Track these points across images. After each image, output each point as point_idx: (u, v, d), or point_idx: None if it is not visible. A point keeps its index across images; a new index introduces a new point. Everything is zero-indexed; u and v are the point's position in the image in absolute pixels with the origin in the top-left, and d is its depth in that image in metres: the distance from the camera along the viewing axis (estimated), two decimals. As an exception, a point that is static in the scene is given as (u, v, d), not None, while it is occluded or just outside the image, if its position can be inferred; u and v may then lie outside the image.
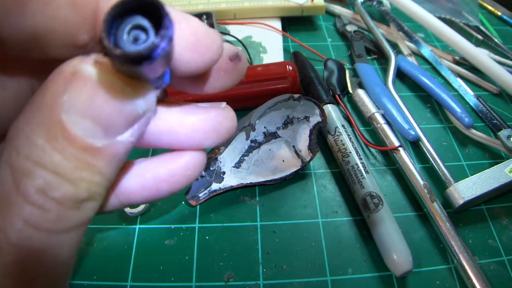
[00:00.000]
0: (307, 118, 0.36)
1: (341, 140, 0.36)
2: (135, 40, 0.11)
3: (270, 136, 0.36)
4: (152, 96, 0.13)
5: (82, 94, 0.11)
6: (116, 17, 0.11)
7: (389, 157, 0.39)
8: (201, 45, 0.13)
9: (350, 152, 0.35)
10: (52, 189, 0.11)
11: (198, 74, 0.14)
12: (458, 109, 0.41)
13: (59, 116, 0.11)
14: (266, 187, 0.36)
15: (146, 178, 0.15)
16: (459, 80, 0.46)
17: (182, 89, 0.16)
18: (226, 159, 0.34)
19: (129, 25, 0.11)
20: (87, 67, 0.11)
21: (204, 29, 0.14)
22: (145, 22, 0.11)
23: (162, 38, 0.10)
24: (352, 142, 0.36)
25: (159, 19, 0.11)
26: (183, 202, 0.34)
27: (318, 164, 0.38)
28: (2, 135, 0.15)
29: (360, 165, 0.34)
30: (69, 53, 0.13)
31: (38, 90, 0.12)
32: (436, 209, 0.33)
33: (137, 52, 0.10)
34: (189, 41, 0.13)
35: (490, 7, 0.60)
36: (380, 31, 0.50)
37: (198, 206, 0.34)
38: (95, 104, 0.11)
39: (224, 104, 0.16)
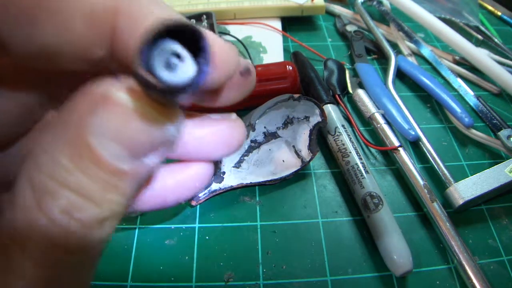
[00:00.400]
0: (307, 118, 0.36)
1: (341, 140, 0.36)
2: (168, 66, 0.11)
3: (270, 136, 0.36)
4: (181, 120, 0.13)
5: (113, 120, 0.11)
6: (150, 43, 0.10)
7: (389, 157, 0.39)
8: (221, 61, 0.13)
9: (350, 152, 0.35)
10: (76, 209, 0.11)
11: (213, 89, 0.14)
12: (458, 109, 0.41)
13: (87, 138, 0.11)
14: (266, 187, 0.36)
15: (153, 188, 0.15)
16: (459, 80, 0.46)
17: (194, 102, 0.16)
18: (226, 159, 0.35)
19: (163, 51, 0.11)
20: (120, 93, 0.11)
21: (224, 45, 0.14)
22: (178, 47, 0.11)
23: (203, 69, 0.10)
24: (352, 142, 0.36)
25: (194, 43, 0.10)
26: (183, 202, 0.34)
27: (318, 164, 0.38)
28: (3, 144, 0.15)
29: (360, 165, 0.34)
30: (83, 66, 0.13)
31: (63, 108, 0.12)
32: (436, 209, 0.33)
33: (180, 84, 0.10)
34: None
35: (490, 7, 0.60)
36: (380, 31, 0.50)
37: (198, 206, 0.34)
38: (126, 130, 0.11)
39: (234, 115, 0.16)
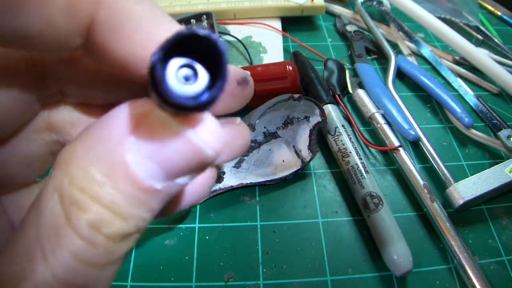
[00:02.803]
0: (307, 118, 0.36)
1: (341, 140, 0.36)
2: (184, 80, 0.11)
3: (270, 136, 0.36)
4: (222, 146, 0.13)
5: (153, 140, 0.11)
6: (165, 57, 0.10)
7: (389, 157, 0.39)
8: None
9: (350, 152, 0.35)
10: (104, 224, 0.11)
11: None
12: (458, 109, 0.41)
13: (124, 155, 0.11)
14: (266, 187, 0.36)
15: None
16: (459, 80, 0.46)
17: None
18: (226, 159, 0.34)
19: (177, 65, 0.10)
20: (163, 114, 0.11)
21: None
22: (193, 62, 0.11)
23: (221, 86, 0.10)
24: (352, 142, 0.36)
25: (210, 53, 0.10)
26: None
27: (318, 164, 0.38)
28: None
29: (360, 165, 0.34)
30: (60, 53, 0.13)
31: (98, 122, 0.12)
32: (436, 209, 0.33)
33: (203, 101, 0.10)
34: None
35: (490, 7, 0.60)
36: (380, 31, 0.50)
37: (198, 206, 0.34)
38: (166, 150, 0.11)
39: (238, 119, 0.16)
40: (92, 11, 0.12)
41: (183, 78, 0.11)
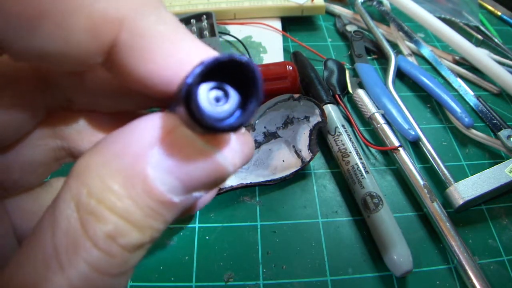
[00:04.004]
0: (307, 118, 0.36)
1: (341, 140, 0.36)
2: (216, 100, 0.11)
3: (270, 136, 0.36)
4: (238, 162, 0.13)
5: (176, 156, 0.11)
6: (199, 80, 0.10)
7: (389, 157, 0.39)
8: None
9: (350, 152, 0.35)
10: (121, 235, 0.11)
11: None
12: (458, 109, 0.41)
13: (145, 169, 0.11)
14: (266, 187, 0.36)
15: None
16: (459, 80, 0.46)
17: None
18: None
19: (209, 86, 0.11)
20: (185, 129, 0.12)
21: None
22: (225, 85, 0.11)
23: (253, 109, 0.10)
24: (352, 142, 0.36)
25: (243, 75, 0.10)
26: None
27: (318, 164, 0.38)
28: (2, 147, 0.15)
29: (360, 165, 0.34)
30: (78, 69, 0.13)
31: (118, 132, 0.12)
32: (436, 209, 0.33)
33: (235, 124, 0.10)
34: None
35: (490, 7, 0.60)
36: (380, 31, 0.50)
37: (198, 206, 0.34)
38: (187, 166, 0.12)
39: (243, 129, 0.16)
40: (115, 32, 0.12)
41: (214, 100, 0.11)
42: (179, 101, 0.10)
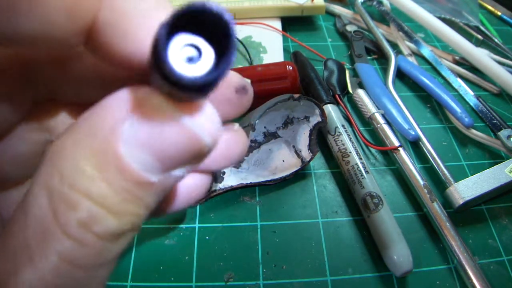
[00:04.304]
0: (307, 118, 0.36)
1: (341, 140, 0.36)
2: (188, 60, 0.10)
3: (270, 136, 0.36)
4: (219, 131, 0.12)
5: (148, 128, 0.10)
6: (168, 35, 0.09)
7: (389, 157, 0.39)
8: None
9: (350, 152, 0.35)
10: (95, 222, 0.10)
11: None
12: (458, 109, 0.41)
13: (117, 146, 0.10)
14: (266, 187, 0.36)
15: None
16: (459, 80, 0.46)
17: None
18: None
19: (182, 43, 0.10)
20: (159, 100, 0.11)
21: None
22: (197, 39, 0.10)
23: (224, 67, 0.10)
24: (352, 142, 0.36)
25: (215, 31, 0.10)
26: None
27: (318, 164, 0.38)
28: None
29: (360, 165, 0.34)
30: (59, 51, 0.12)
31: (88, 112, 0.11)
32: (436, 209, 0.33)
33: (202, 79, 0.09)
34: None
35: (490, 7, 0.60)
36: (380, 31, 0.50)
37: (198, 206, 0.34)
38: (162, 139, 0.11)
39: (236, 126, 0.15)
40: (93, 11, 0.11)
41: (187, 59, 0.10)
42: (151, 63, 0.10)
